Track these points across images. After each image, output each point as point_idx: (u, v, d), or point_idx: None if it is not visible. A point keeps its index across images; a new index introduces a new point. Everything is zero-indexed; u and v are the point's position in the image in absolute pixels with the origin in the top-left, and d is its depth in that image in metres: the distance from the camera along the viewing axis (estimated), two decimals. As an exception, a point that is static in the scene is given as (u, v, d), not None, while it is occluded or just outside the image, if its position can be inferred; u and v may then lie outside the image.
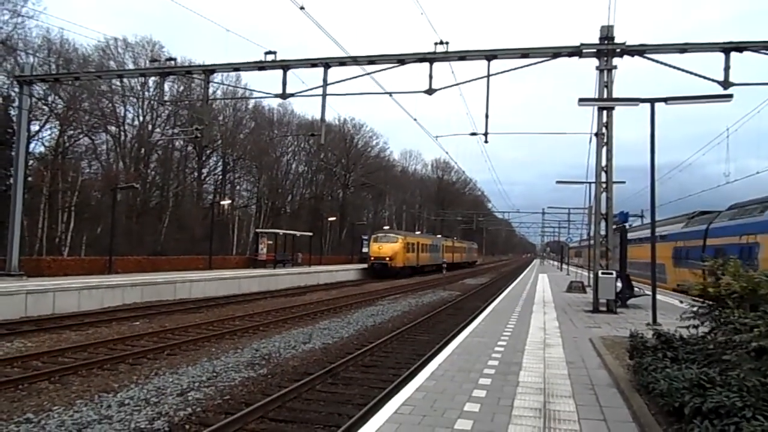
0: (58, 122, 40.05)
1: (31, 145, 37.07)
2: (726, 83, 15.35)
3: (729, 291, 6.82)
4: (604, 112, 16.52)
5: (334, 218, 62.99)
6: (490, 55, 17.31)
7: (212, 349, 12.95)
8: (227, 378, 10.22)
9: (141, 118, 47.37)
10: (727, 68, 15.48)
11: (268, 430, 7.52)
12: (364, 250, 59.64)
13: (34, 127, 37.68)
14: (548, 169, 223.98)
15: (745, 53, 15.60)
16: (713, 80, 15.49)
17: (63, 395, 8.77)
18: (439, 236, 69.19)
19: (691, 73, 15.72)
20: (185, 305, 20.87)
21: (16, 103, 27.24)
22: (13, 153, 25.91)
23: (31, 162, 35.13)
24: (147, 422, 7.58)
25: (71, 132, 41.96)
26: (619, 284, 17.20)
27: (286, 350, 13.05)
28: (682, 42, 16.00)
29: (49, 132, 40.82)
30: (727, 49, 15.54)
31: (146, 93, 44.84)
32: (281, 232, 42.30)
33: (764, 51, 15.70)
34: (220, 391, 9.37)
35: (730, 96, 12.81)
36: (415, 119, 21.85)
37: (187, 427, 7.58)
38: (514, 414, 5.97)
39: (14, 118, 31.40)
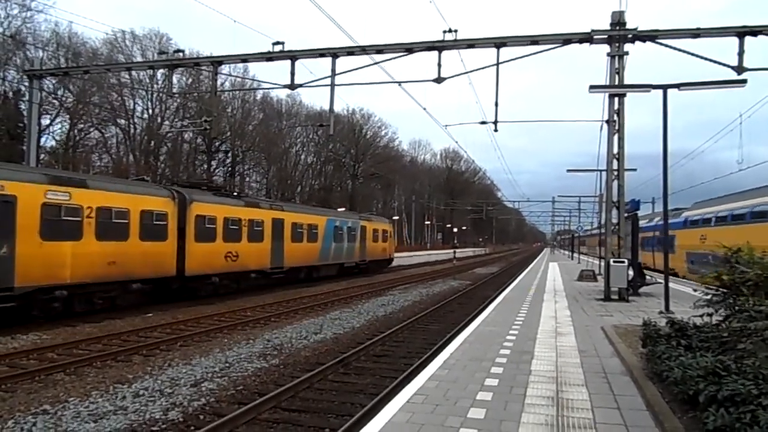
0: (68, 116, 40.38)
1: (42, 139, 37.49)
2: (740, 68, 15.09)
3: (743, 279, 6.77)
4: (616, 99, 16.34)
5: (343, 209, 63.05)
6: (499, 43, 17.13)
7: (224, 340, 13.04)
8: (240, 368, 10.29)
9: (150, 111, 47.69)
10: (741, 53, 15.21)
11: (281, 420, 7.56)
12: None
13: (45, 121, 38.12)
14: (554, 157, 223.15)
15: (760, 37, 15.33)
16: (727, 65, 15.24)
17: (78, 386, 8.86)
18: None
19: (704, 58, 15.47)
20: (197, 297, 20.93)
21: (27, 98, 27.40)
22: (24, 147, 26.14)
23: (42, 156, 35.48)
24: (161, 413, 7.66)
25: (81, 125, 42.30)
26: (631, 272, 17.12)
27: (298, 341, 13.12)
28: (695, 27, 15.74)
29: (59, 126, 41.28)
30: (742, 33, 15.27)
31: (155, 86, 45.04)
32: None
33: (779, 34, 15.42)
34: (233, 381, 9.44)
35: (744, 81, 12.65)
36: (424, 108, 21.75)
37: (201, 417, 7.64)
38: (527, 402, 5.97)
39: (25, 113, 31.66)
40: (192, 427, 7.16)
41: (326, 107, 20.05)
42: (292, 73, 18.91)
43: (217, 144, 53.55)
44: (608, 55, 16.31)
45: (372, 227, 36.48)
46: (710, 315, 7.05)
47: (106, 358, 10.75)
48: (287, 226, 25.08)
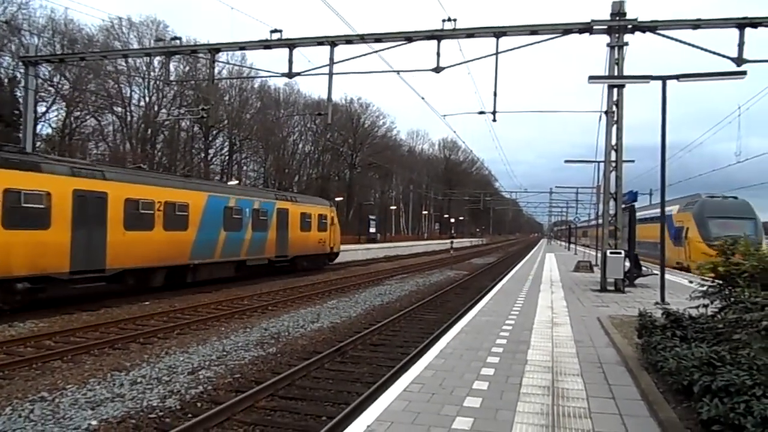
0: (64, 103, 40.09)
1: (38, 127, 37.21)
2: (740, 60, 15.06)
3: (739, 270, 6.79)
4: (615, 90, 16.32)
5: (341, 198, 62.99)
6: (498, 32, 17.05)
7: (222, 328, 13.08)
8: (237, 357, 10.33)
9: (147, 99, 47.36)
10: (741, 44, 15.18)
11: (278, 408, 7.60)
12: (372, 230, 59.82)
13: (41, 109, 37.78)
14: (550, 149, 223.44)
15: (760, 29, 15.29)
16: (726, 57, 15.21)
17: (76, 374, 8.88)
18: None
19: (703, 49, 15.43)
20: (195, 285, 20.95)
21: (23, 84, 27.18)
22: (20, 135, 25.97)
23: (38, 143, 35.24)
24: (159, 400, 7.69)
25: (78, 113, 42.03)
26: (627, 263, 17.18)
27: (295, 329, 13.16)
28: (695, 18, 15.69)
29: (55, 113, 40.99)
30: (742, 24, 15.22)
31: (152, 73, 44.69)
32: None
33: (779, 26, 15.37)
34: (230, 369, 9.47)
35: (744, 73, 12.64)
36: (422, 98, 21.68)
37: (198, 404, 7.68)
38: (522, 392, 6.01)
39: (21, 100, 31.44)
40: (189, 415, 7.19)
41: (324, 96, 19.98)
42: (290, 62, 18.81)
43: (214, 132, 53.33)
44: (608, 45, 16.26)
45: (298, 211, 26.93)
46: (706, 306, 7.09)
47: (103, 346, 10.77)
48: (113, 204, 16.06)
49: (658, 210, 29.13)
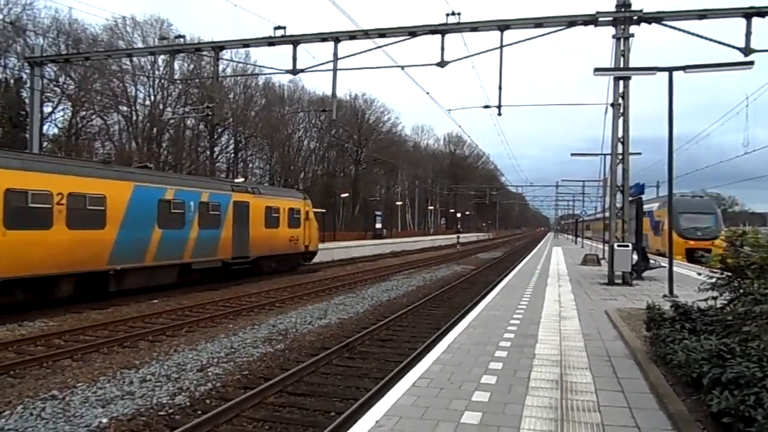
0: (70, 103, 40.25)
1: (45, 127, 37.42)
2: (747, 50, 14.93)
3: (748, 262, 6.75)
4: (621, 82, 16.22)
5: (346, 194, 63.02)
6: (503, 26, 16.97)
7: (230, 325, 13.12)
8: (245, 353, 10.36)
9: (152, 98, 47.45)
10: (748, 34, 15.04)
11: (287, 404, 7.63)
12: (378, 225, 59.76)
13: (47, 109, 37.99)
14: (555, 142, 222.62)
15: None
16: (733, 47, 15.09)
17: (86, 372, 8.94)
18: None
19: (710, 39, 15.30)
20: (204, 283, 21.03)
21: (28, 85, 27.28)
22: (27, 135, 26.13)
23: (45, 144, 35.47)
24: (168, 397, 7.73)
25: (83, 113, 42.19)
26: (635, 256, 17.10)
27: (303, 326, 13.19)
28: (701, 8, 15.55)
29: (61, 113, 41.18)
30: (749, 14, 15.07)
31: (156, 72, 44.78)
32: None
33: (788, 15, 15.21)
34: (238, 366, 9.51)
35: (751, 63, 12.52)
36: (427, 92, 21.66)
37: (207, 401, 7.72)
38: (531, 386, 6.00)
39: (27, 100, 31.58)
40: (199, 412, 7.23)
41: (328, 92, 19.84)
42: (294, 58, 18.79)
43: (219, 130, 53.39)
44: (613, 37, 16.16)
45: (262, 204, 23.23)
46: (715, 298, 7.05)
47: (112, 344, 10.83)
48: None
49: (647, 205, 33.10)
